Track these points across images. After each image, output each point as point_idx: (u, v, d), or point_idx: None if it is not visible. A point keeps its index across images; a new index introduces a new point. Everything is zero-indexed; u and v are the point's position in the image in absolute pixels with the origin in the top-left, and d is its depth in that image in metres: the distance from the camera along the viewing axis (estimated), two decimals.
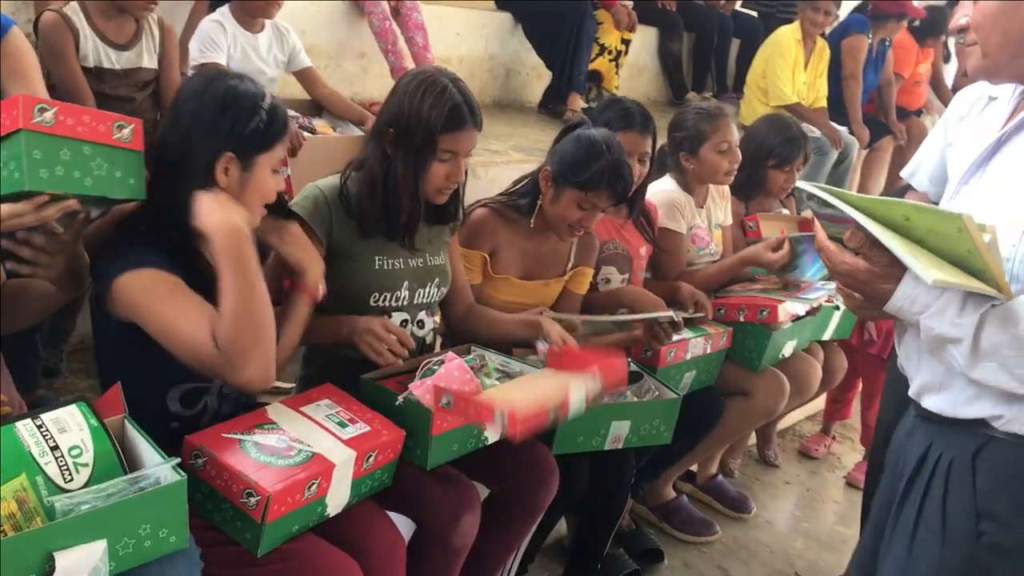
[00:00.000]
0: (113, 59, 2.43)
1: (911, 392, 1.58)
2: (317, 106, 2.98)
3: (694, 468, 3.25)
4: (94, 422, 1.45)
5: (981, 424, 1.47)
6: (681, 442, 2.54)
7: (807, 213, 3.64)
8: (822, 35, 5.21)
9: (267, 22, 2.85)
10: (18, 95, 1.58)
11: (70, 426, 1.41)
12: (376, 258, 2.08)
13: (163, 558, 1.46)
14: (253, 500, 1.62)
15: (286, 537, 1.70)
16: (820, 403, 3.87)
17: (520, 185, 2.51)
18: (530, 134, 4.35)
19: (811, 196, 1.42)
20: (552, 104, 4.82)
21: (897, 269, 1.37)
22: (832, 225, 1.44)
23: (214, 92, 1.69)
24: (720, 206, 3.09)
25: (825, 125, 5.03)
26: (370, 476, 1.83)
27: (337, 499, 1.78)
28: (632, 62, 5.41)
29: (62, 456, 1.40)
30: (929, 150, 2.34)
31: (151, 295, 1.63)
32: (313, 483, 1.69)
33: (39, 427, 1.40)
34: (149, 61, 2.49)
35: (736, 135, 2.94)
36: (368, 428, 1.82)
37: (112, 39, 2.43)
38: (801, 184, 1.47)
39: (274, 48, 2.87)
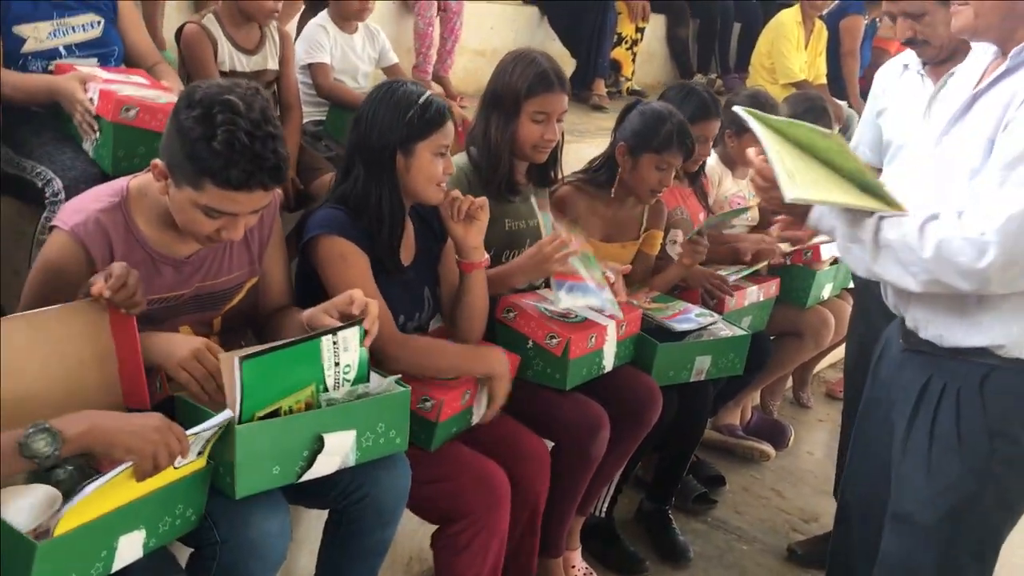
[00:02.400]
0: (244, 63, 2.78)
1: (908, 325, 1.81)
2: None
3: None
4: (362, 347, 1.79)
5: (982, 353, 1.70)
6: (736, 381, 2.96)
7: None
8: (819, 16, 5.62)
9: (360, 24, 3.21)
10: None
11: (350, 346, 1.76)
12: (506, 220, 2.45)
13: (389, 457, 1.85)
14: (429, 404, 2.01)
15: (448, 437, 2.08)
16: (842, 351, 4.28)
17: (595, 163, 2.89)
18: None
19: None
20: (577, 89, 5.18)
21: None
22: None
23: (385, 96, 2.06)
24: None
25: (827, 101, 5.43)
26: None
27: (479, 410, 2.17)
28: (643, 49, 5.79)
29: (339, 371, 1.76)
30: (864, 125, 2.82)
31: (340, 263, 2.01)
32: (467, 393, 2.10)
33: (334, 343, 1.74)
34: (272, 63, 2.85)
35: None
36: None
37: (243, 45, 2.77)
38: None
39: (367, 47, 3.23)
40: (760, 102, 3.28)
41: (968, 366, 1.73)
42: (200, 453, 1.58)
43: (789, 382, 4.00)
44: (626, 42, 5.42)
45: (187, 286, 1.83)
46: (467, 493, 2.04)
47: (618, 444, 2.49)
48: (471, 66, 4.82)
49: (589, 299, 2.32)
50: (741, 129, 3.26)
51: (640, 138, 2.70)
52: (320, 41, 3.07)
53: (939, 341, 1.75)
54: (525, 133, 2.38)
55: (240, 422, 1.62)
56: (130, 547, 1.52)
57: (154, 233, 1.78)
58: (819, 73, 5.57)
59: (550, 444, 2.38)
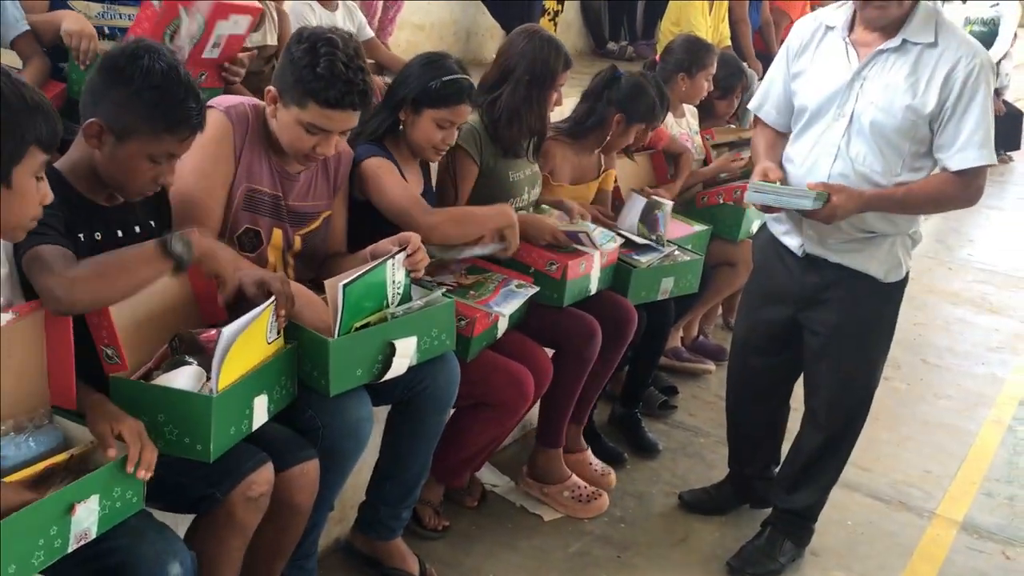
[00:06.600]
0: (249, 39, 3.09)
1: None
2: (379, 67, 3.70)
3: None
4: (405, 269, 2.21)
5: None
6: (682, 303, 3.47)
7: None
8: None
9: (339, 2, 3.55)
10: None
11: (399, 267, 2.18)
12: (510, 173, 2.89)
13: (441, 355, 2.28)
14: (463, 322, 2.43)
15: (479, 351, 2.51)
16: None
17: (578, 115, 3.28)
18: None
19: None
20: None
21: None
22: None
23: (421, 60, 2.51)
24: (694, 119, 4.01)
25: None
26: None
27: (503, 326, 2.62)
28: (561, 19, 6.24)
29: (395, 287, 2.17)
30: (773, 83, 2.63)
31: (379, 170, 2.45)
32: (491, 313, 2.53)
33: (391, 264, 2.15)
34: (272, 39, 3.17)
35: None
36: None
37: None
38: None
39: (346, 23, 3.57)
40: (696, 47, 3.78)
41: None
42: (278, 334, 1.96)
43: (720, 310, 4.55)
44: (549, 14, 5.86)
45: (285, 194, 2.23)
46: (500, 389, 2.51)
47: (604, 354, 2.96)
48: (413, 39, 5.17)
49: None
50: (695, 71, 3.75)
51: (635, 112, 3.17)
52: (307, 17, 3.39)
53: None
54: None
55: (340, 335, 2.01)
56: (260, 408, 1.90)
57: (272, 147, 2.18)
58: (723, 37, 6.10)
59: (550, 352, 2.85)
